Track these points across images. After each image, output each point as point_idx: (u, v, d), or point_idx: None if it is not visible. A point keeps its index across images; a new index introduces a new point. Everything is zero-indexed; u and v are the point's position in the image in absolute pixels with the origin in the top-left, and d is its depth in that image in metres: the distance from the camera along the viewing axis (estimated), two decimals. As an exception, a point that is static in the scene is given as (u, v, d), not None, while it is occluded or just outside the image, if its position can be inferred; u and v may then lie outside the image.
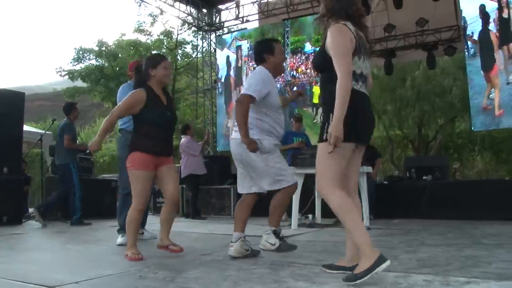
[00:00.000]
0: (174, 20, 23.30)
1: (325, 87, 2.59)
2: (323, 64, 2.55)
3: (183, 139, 8.13)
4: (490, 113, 8.33)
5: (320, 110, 9.54)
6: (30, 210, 9.40)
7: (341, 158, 2.46)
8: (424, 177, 7.72)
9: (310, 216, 6.30)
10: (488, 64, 8.37)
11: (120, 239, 4.31)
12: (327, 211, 6.38)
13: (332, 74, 2.43)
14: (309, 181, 5.82)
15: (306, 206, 6.40)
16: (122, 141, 4.53)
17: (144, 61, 3.64)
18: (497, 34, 8.27)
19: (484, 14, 8.47)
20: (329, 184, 2.44)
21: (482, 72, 8.46)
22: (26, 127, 8.78)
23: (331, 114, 2.39)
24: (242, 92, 3.36)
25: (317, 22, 2.69)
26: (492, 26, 8.37)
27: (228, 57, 11.97)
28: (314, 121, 9.97)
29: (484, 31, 8.49)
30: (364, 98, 2.57)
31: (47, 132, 9.67)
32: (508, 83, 8.07)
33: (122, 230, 4.40)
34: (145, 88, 3.40)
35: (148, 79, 3.45)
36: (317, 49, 11.06)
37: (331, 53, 2.46)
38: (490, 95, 8.28)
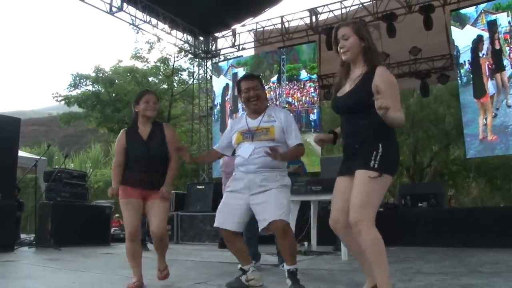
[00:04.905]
0: (171, 47, 23.54)
1: (362, 123, 2.48)
2: (368, 103, 2.41)
3: None
4: (483, 140, 8.41)
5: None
6: (23, 236, 9.29)
7: (385, 191, 2.43)
8: (420, 204, 7.72)
9: (305, 243, 6.24)
10: (480, 92, 8.54)
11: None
12: (322, 239, 6.38)
13: (371, 111, 2.37)
14: (305, 208, 5.79)
15: (302, 233, 6.36)
16: None
17: None
18: (490, 62, 8.46)
19: (477, 43, 8.67)
20: (372, 218, 2.35)
21: (474, 99, 8.62)
22: (20, 153, 8.72)
23: (380, 144, 2.39)
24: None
25: (363, 58, 2.58)
26: (484, 55, 8.57)
27: (227, 84, 12.08)
28: (310, 147, 9.98)
29: (475, 60, 8.70)
30: None
31: (42, 157, 9.64)
32: (498, 109, 8.22)
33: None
34: (131, 126, 3.55)
35: (136, 116, 3.53)
36: (313, 76, 11.14)
37: (389, 93, 2.41)
38: (483, 122, 8.38)
